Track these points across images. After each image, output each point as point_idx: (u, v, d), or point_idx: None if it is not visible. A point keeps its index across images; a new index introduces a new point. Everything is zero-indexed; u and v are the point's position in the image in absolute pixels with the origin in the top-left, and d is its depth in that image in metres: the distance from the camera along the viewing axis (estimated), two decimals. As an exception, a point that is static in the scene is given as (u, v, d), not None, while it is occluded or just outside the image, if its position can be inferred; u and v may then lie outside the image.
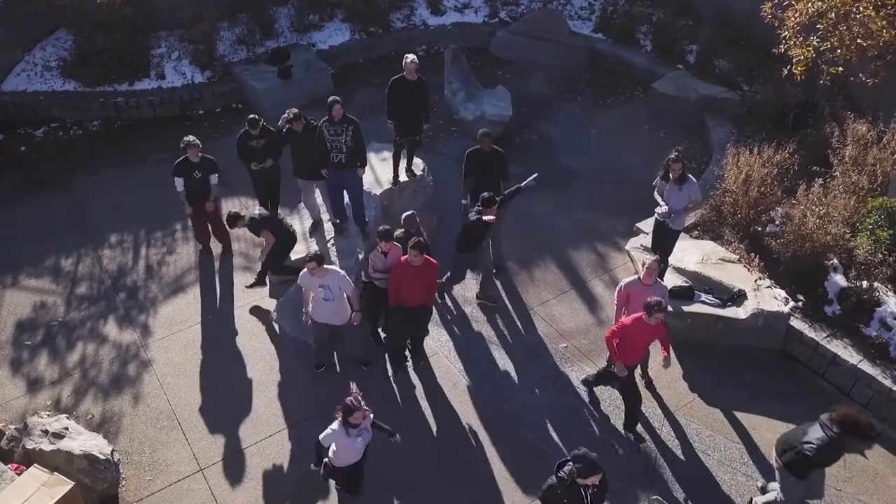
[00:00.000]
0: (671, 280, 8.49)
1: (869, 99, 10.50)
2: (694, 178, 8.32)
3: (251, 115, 8.76)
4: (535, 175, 8.16)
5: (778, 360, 8.28)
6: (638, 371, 7.97)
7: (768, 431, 7.50)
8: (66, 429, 6.84)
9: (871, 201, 8.54)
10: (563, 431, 7.47)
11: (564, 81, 13.20)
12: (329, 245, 8.93)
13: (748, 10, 11.89)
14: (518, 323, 8.70)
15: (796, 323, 8.16)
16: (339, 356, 8.17)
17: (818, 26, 8.84)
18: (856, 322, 8.02)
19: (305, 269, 7.16)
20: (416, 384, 7.97)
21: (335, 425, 5.95)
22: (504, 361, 8.22)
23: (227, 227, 8.81)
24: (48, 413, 7.29)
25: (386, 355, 8.15)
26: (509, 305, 8.92)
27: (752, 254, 8.82)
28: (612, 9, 14.23)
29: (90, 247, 9.64)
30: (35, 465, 6.36)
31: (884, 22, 8.29)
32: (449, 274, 8.64)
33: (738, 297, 8.28)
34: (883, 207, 8.33)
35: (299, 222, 9.49)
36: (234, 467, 7.10)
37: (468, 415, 7.65)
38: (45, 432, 6.75)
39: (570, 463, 5.36)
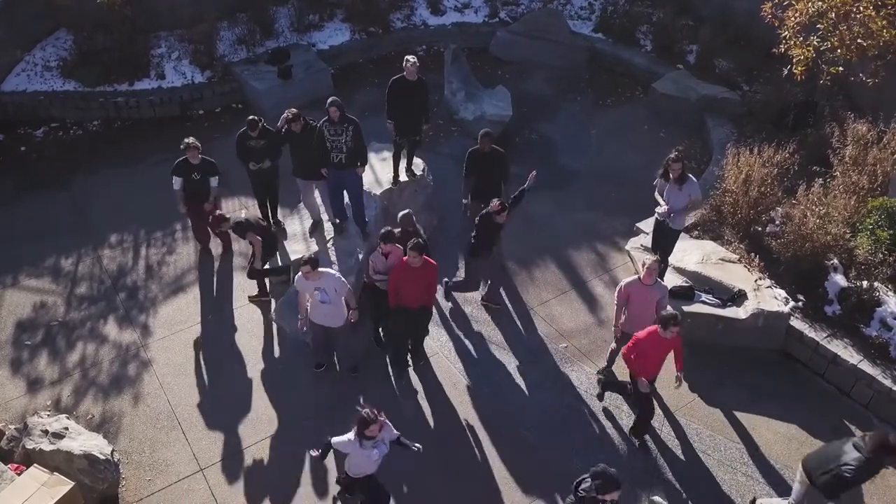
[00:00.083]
0: (671, 280, 8.49)
1: (869, 99, 10.50)
2: (694, 178, 8.31)
3: (251, 117, 8.76)
4: (533, 173, 8.15)
5: (778, 360, 8.28)
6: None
7: (768, 431, 7.50)
8: (66, 429, 6.83)
9: (871, 201, 8.54)
10: (563, 431, 7.47)
11: (564, 81, 13.21)
12: (329, 245, 8.93)
13: (748, 10, 11.90)
14: (518, 323, 8.70)
15: (796, 323, 8.16)
16: (339, 356, 8.16)
17: (818, 26, 8.85)
18: (856, 322, 8.02)
19: (300, 274, 7.11)
20: (416, 384, 7.97)
21: (351, 435, 5.83)
22: (504, 361, 8.22)
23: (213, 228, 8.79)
24: (48, 413, 7.29)
25: (387, 358, 8.13)
26: (509, 305, 8.92)
27: (753, 254, 8.82)
28: (612, 9, 14.24)
29: (90, 247, 9.64)
30: (35, 465, 6.36)
31: (884, 22, 8.29)
32: (460, 279, 8.58)
33: (738, 297, 8.28)
34: (883, 207, 8.33)
35: (299, 222, 9.49)
36: (234, 467, 7.10)
37: (468, 415, 7.65)
38: (45, 432, 6.74)
39: (589, 480, 5.28)
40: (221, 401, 7.72)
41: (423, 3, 14.57)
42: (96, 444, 6.80)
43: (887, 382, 7.52)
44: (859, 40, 8.47)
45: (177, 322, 8.61)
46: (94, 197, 10.49)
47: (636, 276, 7.33)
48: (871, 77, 9.01)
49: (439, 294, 8.88)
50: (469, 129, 11.46)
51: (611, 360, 7.93)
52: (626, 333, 7.56)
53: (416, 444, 6.17)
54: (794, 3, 8.99)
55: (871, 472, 5.94)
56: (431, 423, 7.56)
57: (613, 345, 7.81)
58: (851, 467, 5.82)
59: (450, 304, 8.91)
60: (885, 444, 5.79)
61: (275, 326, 8.55)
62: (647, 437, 7.42)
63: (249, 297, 8.90)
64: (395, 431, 6.02)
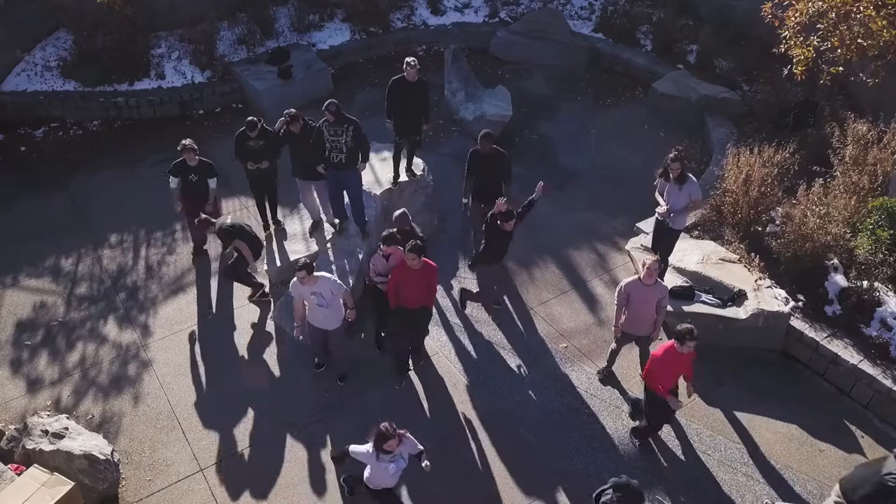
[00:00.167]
0: (671, 280, 8.48)
1: (869, 99, 10.50)
2: (694, 178, 8.31)
3: (250, 118, 8.73)
4: (540, 184, 8.11)
5: (778, 360, 8.28)
6: (638, 371, 7.98)
7: (768, 431, 7.50)
8: (66, 429, 6.83)
9: (871, 201, 8.54)
10: (563, 431, 7.47)
11: (564, 81, 13.21)
12: (328, 245, 8.93)
13: (748, 9, 11.91)
14: (518, 323, 8.70)
15: (796, 323, 8.16)
16: (330, 363, 8.10)
17: (818, 26, 8.84)
18: (856, 322, 8.02)
19: (295, 279, 7.07)
20: (416, 384, 7.96)
21: (369, 446, 5.76)
22: (504, 361, 8.21)
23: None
24: (48, 413, 7.29)
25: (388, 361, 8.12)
26: (509, 305, 8.91)
27: (753, 254, 8.82)
28: (612, 9, 14.24)
29: (90, 247, 9.64)
30: (35, 465, 6.36)
31: (884, 22, 8.28)
32: (476, 290, 8.51)
33: (738, 297, 8.28)
34: (883, 207, 8.32)
35: (299, 222, 9.50)
36: (234, 467, 7.10)
37: (468, 415, 7.64)
38: (45, 432, 6.74)
39: (610, 492, 5.20)
40: (221, 401, 7.72)
41: (423, 3, 14.58)
42: (96, 444, 6.79)
43: (887, 382, 7.52)
44: (859, 40, 8.47)
45: (177, 322, 8.61)
46: (93, 197, 10.49)
47: (636, 276, 7.32)
48: (872, 77, 9.01)
49: (448, 299, 8.89)
50: (469, 129, 11.46)
51: (611, 360, 7.93)
52: (626, 333, 7.57)
53: (426, 462, 6.06)
54: (794, 2, 8.98)
55: None
56: (431, 423, 7.56)
57: (613, 345, 7.81)
58: (894, 476, 5.78)
59: (451, 304, 8.90)
60: None
61: (275, 326, 8.54)
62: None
63: (249, 297, 8.89)
64: (419, 446, 5.91)
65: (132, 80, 12.26)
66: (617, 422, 7.58)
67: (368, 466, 5.90)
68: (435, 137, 11.41)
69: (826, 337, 8.00)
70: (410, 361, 8.06)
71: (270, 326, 8.56)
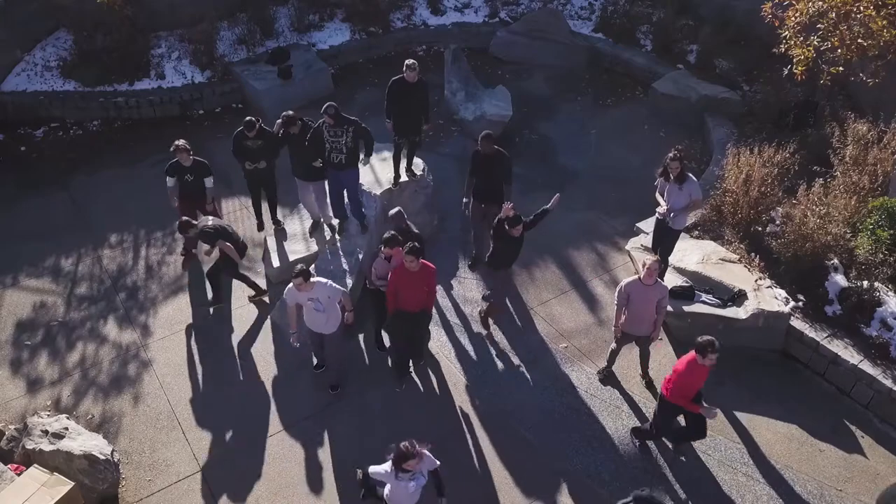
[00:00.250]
0: (671, 280, 8.48)
1: (869, 99, 10.50)
2: (694, 178, 8.31)
3: (248, 118, 8.72)
4: (557, 196, 8.09)
5: (778, 360, 8.28)
6: (638, 371, 7.98)
7: (768, 431, 7.50)
8: (66, 429, 6.83)
9: (871, 201, 8.53)
10: (563, 431, 7.47)
11: (564, 81, 13.21)
12: (328, 245, 8.93)
13: (748, 9, 11.91)
14: (518, 323, 8.70)
15: (797, 323, 8.15)
16: (325, 369, 8.07)
17: (819, 26, 8.83)
18: (856, 322, 8.02)
19: (291, 285, 7.01)
20: (417, 384, 7.96)
21: (387, 466, 5.60)
22: (504, 361, 8.22)
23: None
24: (48, 413, 7.29)
25: (389, 361, 8.11)
26: (510, 305, 8.90)
27: (753, 254, 8.82)
28: (612, 9, 14.25)
29: (90, 247, 9.64)
30: (35, 465, 6.36)
31: (884, 22, 8.28)
32: (492, 301, 8.41)
33: (738, 298, 8.28)
34: (883, 207, 8.32)
35: (299, 222, 9.50)
36: (234, 467, 7.09)
37: (468, 415, 7.64)
38: (45, 432, 6.74)
39: None
40: (221, 401, 7.71)
41: (423, 3, 14.58)
42: (96, 445, 6.79)
43: (888, 382, 7.52)
44: (860, 40, 8.46)
45: (177, 322, 8.61)
46: (93, 197, 10.49)
47: (636, 277, 7.32)
48: (872, 77, 9.01)
49: (448, 299, 8.89)
50: (469, 129, 11.46)
51: (611, 360, 7.93)
52: (626, 333, 7.57)
53: (444, 500, 5.96)
54: (794, 2, 8.98)
55: None
56: (431, 423, 7.55)
57: (614, 345, 7.81)
58: None
59: (450, 304, 8.90)
60: None
61: (275, 326, 8.54)
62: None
63: (249, 297, 8.89)
64: (435, 461, 5.77)
65: (132, 80, 12.27)
66: (617, 422, 7.58)
67: (388, 485, 5.72)
68: (435, 137, 11.41)
69: (826, 337, 8.00)
70: (411, 363, 8.06)
71: (270, 326, 8.55)
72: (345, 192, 8.79)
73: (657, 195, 8.50)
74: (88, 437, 6.90)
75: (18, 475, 6.27)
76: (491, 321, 8.54)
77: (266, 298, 8.90)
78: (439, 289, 8.87)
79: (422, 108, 9.08)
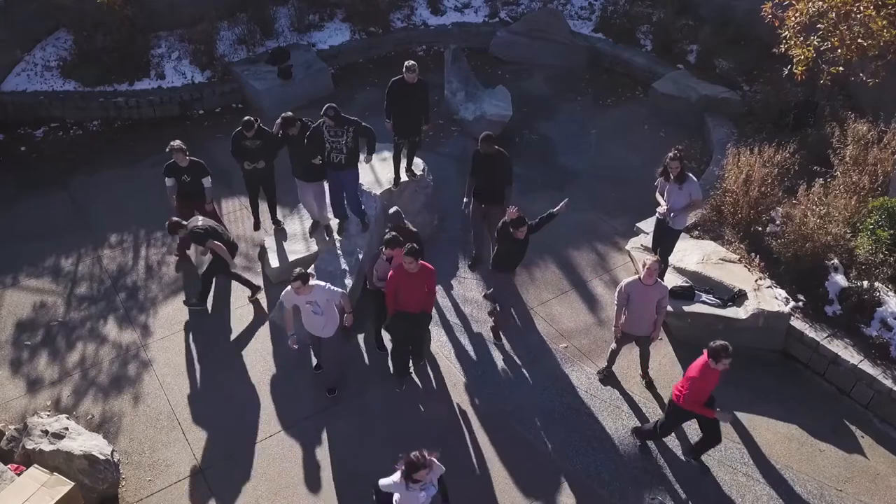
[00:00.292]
0: (671, 280, 8.48)
1: (869, 99, 10.50)
2: (694, 178, 8.31)
3: (246, 118, 8.72)
4: (566, 200, 8.08)
5: (778, 360, 8.27)
6: (639, 371, 7.98)
7: (768, 431, 7.50)
8: (66, 429, 6.83)
9: (871, 201, 8.53)
10: (564, 431, 7.47)
11: (564, 81, 13.21)
12: (328, 245, 8.93)
13: (748, 9, 11.91)
14: (518, 323, 8.69)
15: (797, 323, 8.15)
16: (321, 373, 8.05)
17: (819, 26, 8.83)
18: (856, 322, 8.02)
19: (289, 288, 6.98)
20: (417, 384, 7.96)
21: (396, 477, 5.54)
22: (504, 361, 8.21)
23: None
24: (48, 413, 7.29)
25: (389, 363, 8.10)
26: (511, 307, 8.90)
27: (753, 254, 8.81)
28: (612, 9, 14.24)
29: (90, 247, 9.64)
30: (35, 465, 6.35)
31: (884, 21, 8.28)
32: (491, 297, 8.35)
33: (738, 298, 8.27)
34: (884, 207, 8.32)
35: (299, 222, 9.50)
36: (234, 467, 7.09)
37: (468, 415, 7.64)
38: (45, 432, 6.74)
39: None
40: (221, 401, 7.71)
41: (423, 3, 14.58)
42: (96, 445, 6.79)
43: (888, 382, 7.51)
44: (860, 40, 8.46)
45: (177, 322, 8.60)
46: (93, 197, 10.49)
47: (636, 277, 7.32)
48: (872, 77, 9.01)
49: (448, 299, 8.89)
50: (469, 129, 11.47)
51: (611, 360, 7.93)
52: (626, 333, 7.57)
53: None
54: (794, 2, 8.98)
55: None
56: (431, 422, 7.55)
57: (614, 345, 7.81)
58: None
59: (450, 304, 8.90)
60: None
61: (274, 327, 8.54)
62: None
63: (249, 297, 8.89)
64: (442, 468, 5.70)
65: (132, 80, 12.26)
66: (617, 422, 7.58)
67: (397, 496, 5.68)
68: (435, 137, 11.41)
69: (826, 337, 8.00)
70: (411, 363, 8.05)
71: (270, 326, 8.55)
72: (344, 192, 8.79)
73: (657, 195, 8.50)
74: (88, 437, 6.90)
75: (18, 475, 6.27)
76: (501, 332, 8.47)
77: (262, 297, 8.89)
78: (439, 289, 8.87)
79: (422, 109, 9.09)
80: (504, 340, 8.42)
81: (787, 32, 9.09)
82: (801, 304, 8.29)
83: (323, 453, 7.21)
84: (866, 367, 7.67)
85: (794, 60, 9.12)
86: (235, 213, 10.15)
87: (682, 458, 7.26)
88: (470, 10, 14.65)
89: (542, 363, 8.20)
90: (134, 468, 7.08)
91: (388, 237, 7.28)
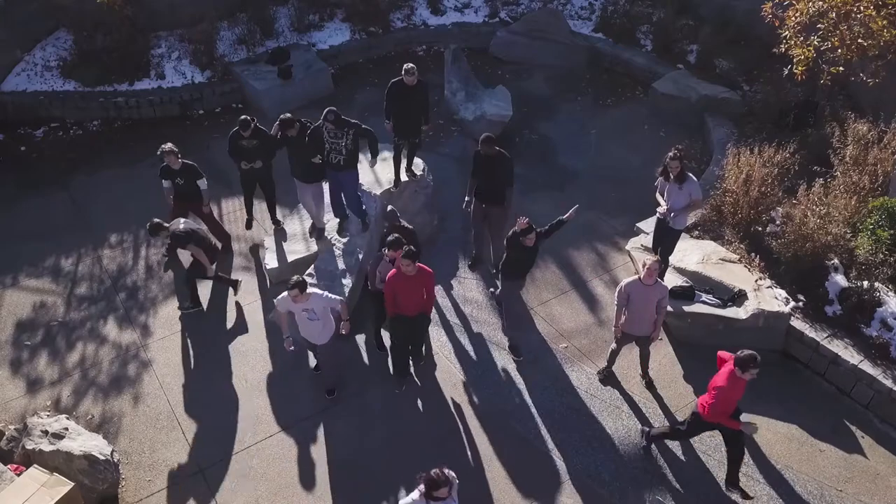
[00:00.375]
0: (671, 280, 8.48)
1: (870, 99, 10.50)
2: (694, 177, 8.31)
3: (243, 117, 8.70)
4: (576, 206, 8.07)
5: (778, 360, 8.27)
6: (639, 371, 7.98)
7: (768, 431, 7.50)
8: (66, 429, 6.83)
9: (871, 201, 8.53)
10: (564, 431, 7.47)
11: (564, 81, 13.20)
12: (327, 245, 8.92)
13: (748, 9, 11.91)
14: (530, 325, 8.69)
15: (797, 323, 8.15)
16: (319, 376, 8.03)
17: (819, 26, 8.83)
18: (856, 322, 8.01)
19: (285, 294, 6.93)
20: (417, 384, 7.96)
21: (416, 495, 5.43)
22: (504, 361, 8.21)
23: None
24: (48, 413, 7.29)
25: (389, 363, 8.10)
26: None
27: (753, 254, 8.81)
28: (612, 8, 14.24)
29: (90, 247, 9.64)
30: (35, 465, 6.35)
31: (884, 21, 8.28)
32: (507, 319, 8.26)
33: (738, 298, 8.27)
34: (884, 207, 8.32)
35: (299, 222, 9.50)
36: (234, 467, 7.09)
37: (468, 415, 7.64)
38: (45, 433, 6.74)
39: None
40: (221, 401, 7.71)
41: (423, 3, 14.58)
42: (96, 445, 6.79)
43: (888, 383, 7.51)
44: (860, 40, 8.46)
45: (176, 322, 8.60)
46: (93, 197, 10.49)
47: (636, 277, 7.32)
48: (872, 77, 9.01)
49: (448, 299, 8.88)
50: (469, 129, 11.46)
51: (611, 361, 7.92)
52: (626, 334, 7.57)
53: None
54: (794, 2, 8.98)
55: None
56: (431, 422, 7.55)
57: (614, 345, 7.81)
58: None
59: (450, 304, 8.90)
60: None
61: (273, 327, 8.53)
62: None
63: (234, 294, 8.88)
64: (456, 482, 5.54)
65: (132, 80, 12.26)
66: (617, 422, 7.58)
67: None
68: (435, 137, 11.41)
69: (826, 337, 8.00)
70: (411, 364, 8.05)
71: (270, 327, 8.55)
72: (343, 192, 8.79)
73: (657, 195, 8.50)
74: (88, 437, 6.90)
75: (18, 475, 6.27)
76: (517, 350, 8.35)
77: (262, 297, 8.87)
78: (439, 289, 8.87)
79: (421, 110, 9.09)
80: (500, 335, 8.41)
81: (787, 32, 9.08)
82: (801, 304, 8.29)
83: (323, 453, 7.21)
84: (866, 367, 7.66)
85: (795, 60, 9.12)
86: (235, 214, 10.14)
87: (682, 458, 7.25)
88: (470, 10, 14.65)
89: (542, 363, 8.20)
90: (134, 468, 7.08)
91: (391, 239, 7.25)
